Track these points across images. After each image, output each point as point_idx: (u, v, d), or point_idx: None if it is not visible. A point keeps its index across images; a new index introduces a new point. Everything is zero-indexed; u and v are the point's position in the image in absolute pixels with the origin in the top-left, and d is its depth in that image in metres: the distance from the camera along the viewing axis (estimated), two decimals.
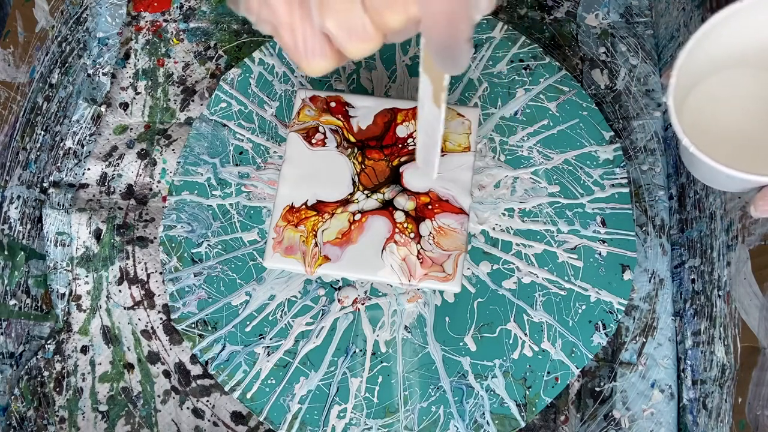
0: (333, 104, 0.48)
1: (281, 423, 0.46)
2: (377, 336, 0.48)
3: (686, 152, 0.32)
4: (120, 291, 0.51)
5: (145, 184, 0.54)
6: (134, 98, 0.57)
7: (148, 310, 0.51)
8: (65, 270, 0.52)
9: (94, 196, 0.54)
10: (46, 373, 0.50)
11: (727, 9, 0.31)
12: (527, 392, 0.46)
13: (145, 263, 0.52)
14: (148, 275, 0.52)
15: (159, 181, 0.54)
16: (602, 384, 0.47)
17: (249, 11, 0.26)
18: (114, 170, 0.54)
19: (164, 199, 0.53)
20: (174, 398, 0.49)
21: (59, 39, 0.53)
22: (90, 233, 0.52)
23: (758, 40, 0.33)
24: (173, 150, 0.55)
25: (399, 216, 0.45)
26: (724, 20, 0.31)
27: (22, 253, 0.49)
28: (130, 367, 0.50)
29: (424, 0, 0.24)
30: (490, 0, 0.26)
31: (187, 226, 0.51)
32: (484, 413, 0.46)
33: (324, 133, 0.47)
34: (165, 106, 0.56)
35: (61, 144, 0.54)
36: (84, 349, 0.50)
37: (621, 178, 0.50)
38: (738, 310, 0.40)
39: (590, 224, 0.49)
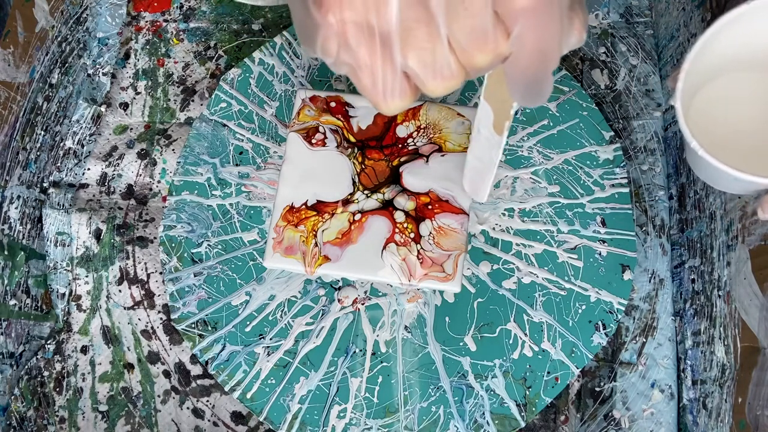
0: (333, 104, 0.48)
1: (281, 423, 0.46)
2: (377, 336, 0.48)
3: (692, 154, 0.32)
4: (120, 291, 0.51)
5: (145, 184, 0.54)
6: (134, 98, 0.57)
7: (148, 310, 0.51)
8: (65, 270, 0.52)
9: (94, 196, 0.54)
10: (46, 373, 0.50)
11: (733, 11, 0.30)
12: (527, 392, 0.46)
13: (145, 263, 0.52)
14: (148, 275, 0.52)
15: (159, 181, 0.54)
16: (602, 384, 0.47)
17: (327, 54, 0.25)
18: (114, 170, 0.54)
19: (164, 199, 0.53)
20: (174, 398, 0.49)
21: (59, 39, 0.53)
22: (90, 233, 0.52)
23: (764, 42, 0.33)
24: (173, 150, 0.55)
25: (399, 216, 0.45)
26: (730, 23, 0.31)
27: (22, 253, 0.49)
28: (130, 367, 0.50)
29: (518, 39, 0.23)
30: (580, 35, 0.25)
31: (187, 226, 0.51)
32: (484, 413, 0.46)
33: (324, 133, 0.47)
34: (165, 106, 0.56)
35: (61, 144, 0.54)
36: (84, 349, 0.50)
37: (621, 178, 0.50)
38: (738, 310, 0.40)
39: (590, 224, 0.49)
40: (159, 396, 0.49)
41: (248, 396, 0.47)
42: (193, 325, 0.49)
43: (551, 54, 0.24)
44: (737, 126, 0.35)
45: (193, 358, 0.50)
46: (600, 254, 0.48)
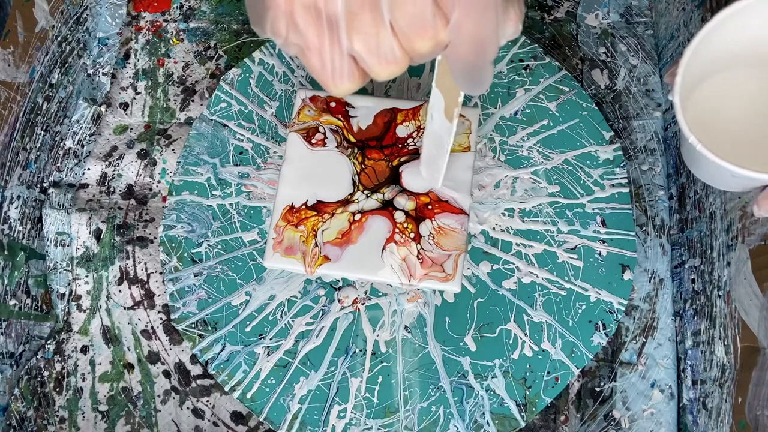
0: (333, 104, 0.48)
1: (281, 423, 0.46)
2: (377, 336, 0.48)
3: (690, 150, 0.32)
4: (120, 291, 0.51)
5: (145, 184, 0.54)
6: (134, 98, 0.57)
7: (148, 310, 0.51)
8: (65, 270, 0.52)
9: (94, 196, 0.54)
10: (46, 373, 0.50)
11: (732, 6, 0.30)
12: (527, 392, 0.46)
13: (145, 263, 0.52)
14: (148, 275, 0.52)
15: (159, 181, 0.54)
16: (602, 384, 0.47)
17: (276, 34, 0.26)
18: (114, 170, 0.54)
19: (164, 199, 0.53)
20: (174, 398, 0.49)
21: (59, 39, 0.53)
22: (90, 233, 0.52)
23: (762, 38, 0.33)
24: (173, 150, 0.55)
25: (399, 216, 0.45)
26: (728, 17, 0.31)
27: (22, 253, 0.49)
28: (130, 367, 0.50)
29: (455, 27, 0.24)
30: (516, 26, 0.26)
31: (187, 226, 0.51)
32: (484, 413, 0.46)
33: (324, 133, 0.47)
34: (165, 106, 0.56)
35: (61, 144, 0.54)
36: (84, 349, 0.50)
37: (621, 178, 0.50)
38: (738, 310, 0.40)
39: (590, 224, 0.49)
40: (159, 396, 0.49)
41: (248, 396, 0.47)
42: (193, 325, 0.49)
43: (488, 43, 0.25)
44: (734, 122, 0.35)
45: (193, 358, 0.50)
46: (600, 254, 0.48)
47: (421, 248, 0.44)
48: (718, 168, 0.30)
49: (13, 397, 0.49)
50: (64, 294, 0.51)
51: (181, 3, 0.59)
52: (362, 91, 0.54)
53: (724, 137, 0.34)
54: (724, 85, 0.35)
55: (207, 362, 0.48)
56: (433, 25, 0.24)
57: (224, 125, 0.53)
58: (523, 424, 0.46)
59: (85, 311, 0.51)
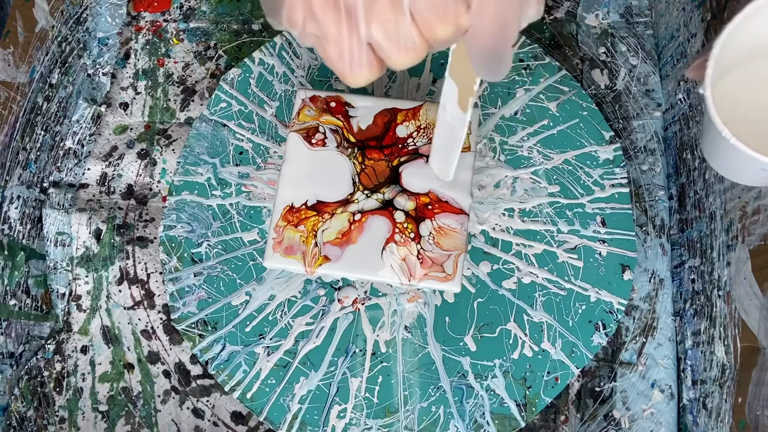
0: (333, 104, 0.48)
1: (281, 423, 0.46)
2: (377, 336, 0.48)
3: (714, 143, 0.32)
4: (120, 291, 0.51)
5: (145, 184, 0.54)
6: (134, 98, 0.57)
7: (148, 310, 0.51)
8: (65, 270, 0.52)
9: (94, 196, 0.54)
10: (46, 373, 0.50)
11: (758, 1, 0.30)
12: (527, 392, 0.46)
13: (145, 263, 0.52)
14: (148, 275, 0.52)
15: (159, 181, 0.54)
16: (602, 384, 0.47)
17: (292, 25, 0.26)
18: (114, 170, 0.54)
19: (164, 199, 0.53)
20: (174, 398, 0.49)
21: (59, 39, 0.53)
22: (90, 233, 0.52)
23: None
24: (173, 150, 0.55)
25: (399, 216, 0.45)
26: (757, 10, 0.31)
27: (22, 253, 0.49)
28: (130, 367, 0.50)
29: (478, 11, 0.24)
30: (538, 8, 0.26)
31: (187, 226, 0.51)
32: (484, 413, 0.46)
33: (324, 133, 0.47)
34: (165, 106, 0.56)
35: (61, 144, 0.54)
36: (84, 349, 0.50)
37: (621, 178, 0.50)
38: (738, 310, 0.40)
39: (590, 224, 0.49)
40: (159, 396, 0.49)
41: (248, 396, 0.47)
42: (193, 325, 0.49)
43: (510, 26, 0.25)
44: (756, 115, 0.35)
45: (193, 358, 0.50)
46: (600, 254, 0.48)
47: (421, 248, 0.44)
48: (750, 161, 0.30)
49: (13, 397, 0.49)
50: (64, 294, 0.51)
51: (181, 3, 0.59)
52: (362, 91, 0.54)
53: (744, 130, 0.34)
54: (746, 78, 0.35)
55: (207, 362, 0.48)
56: (454, 9, 0.24)
57: (224, 125, 0.53)
58: (523, 424, 0.46)
59: (85, 311, 0.51)
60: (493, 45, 0.25)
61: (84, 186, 0.54)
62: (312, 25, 0.25)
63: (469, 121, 0.35)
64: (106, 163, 0.55)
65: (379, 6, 0.24)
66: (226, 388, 0.47)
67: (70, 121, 0.55)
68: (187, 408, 0.49)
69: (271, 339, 0.48)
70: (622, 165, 0.50)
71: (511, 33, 0.25)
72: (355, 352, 0.48)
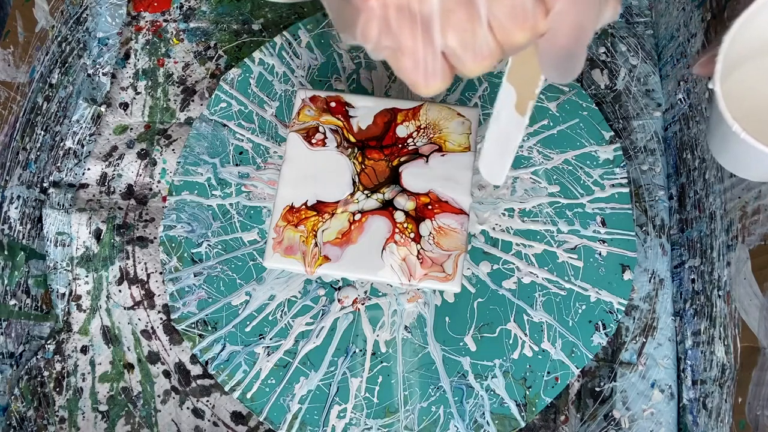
0: (333, 104, 0.48)
1: (281, 423, 0.46)
2: (377, 336, 0.48)
3: (723, 139, 0.32)
4: (120, 291, 0.51)
5: (145, 184, 0.54)
6: (134, 98, 0.57)
7: (148, 310, 0.51)
8: (65, 270, 0.52)
9: (94, 196, 0.54)
10: (46, 373, 0.50)
11: None
12: (527, 392, 0.46)
13: (145, 263, 0.52)
14: (148, 275, 0.52)
15: (159, 181, 0.54)
16: (602, 384, 0.47)
17: (367, 40, 0.26)
18: (114, 170, 0.54)
19: (164, 199, 0.53)
20: (174, 398, 0.49)
21: (59, 39, 0.53)
22: (90, 233, 0.52)
23: None
24: (173, 150, 0.55)
25: (399, 216, 0.45)
26: (764, 6, 0.31)
27: (22, 253, 0.49)
28: (130, 367, 0.50)
29: (558, 16, 0.24)
30: (615, 9, 0.26)
31: (187, 226, 0.51)
32: (484, 413, 0.46)
33: (324, 133, 0.47)
34: (165, 106, 0.56)
35: (61, 144, 0.54)
36: (84, 349, 0.50)
37: (621, 178, 0.50)
38: (738, 310, 0.40)
39: (590, 224, 0.49)
40: (159, 396, 0.49)
41: (248, 396, 0.47)
42: (193, 325, 0.49)
43: (588, 29, 0.25)
44: (761, 111, 0.35)
45: (193, 358, 0.50)
46: (600, 254, 0.48)
47: (421, 248, 0.44)
48: (760, 156, 0.30)
49: (13, 397, 0.49)
50: (64, 294, 0.51)
51: (181, 3, 0.59)
52: (362, 91, 0.54)
53: (751, 126, 0.34)
54: (754, 74, 0.35)
55: (207, 362, 0.48)
56: (533, 15, 0.24)
57: (224, 125, 0.53)
58: (523, 424, 0.46)
59: (85, 311, 0.51)
60: (569, 48, 0.25)
61: (84, 186, 0.54)
62: (387, 38, 0.26)
63: (526, 126, 0.35)
64: (106, 163, 0.55)
65: (455, 16, 0.24)
66: (226, 388, 0.47)
67: (70, 121, 0.55)
68: (187, 408, 0.49)
69: (271, 339, 0.48)
70: (622, 165, 0.50)
71: (587, 35, 0.25)
72: (355, 352, 0.48)
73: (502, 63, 0.32)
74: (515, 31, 0.24)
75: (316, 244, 0.44)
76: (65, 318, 0.51)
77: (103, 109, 0.56)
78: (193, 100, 0.56)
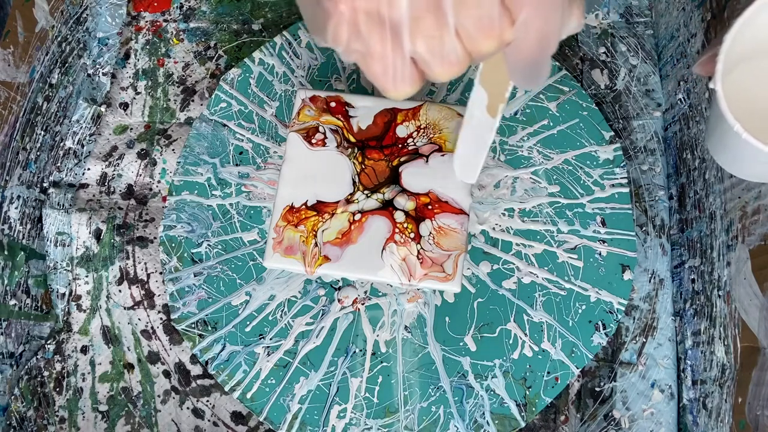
0: (333, 104, 0.48)
1: (281, 423, 0.46)
2: (377, 336, 0.48)
3: (723, 139, 0.32)
4: (120, 291, 0.51)
5: (145, 184, 0.54)
6: (134, 98, 0.57)
7: (148, 310, 0.51)
8: (65, 270, 0.52)
9: (94, 196, 0.54)
10: (46, 373, 0.50)
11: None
12: (527, 392, 0.46)
13: (145, 263, 0.52)
14: (148, 275, 0.52)
15: (159, 181, 0.54)
16: (602, 384, 0.47)
17: (337, 43, 0.26)
18: (114, 170, 0.54)
19: (164, 199, 0.53)
20: (174, 398, 0.49)
21: (59, 39, 0.53)
22: (90, 233, 0.52)
23: None
24: (173, 150, 0.55)
25: (399, 216, 0.45)
26: (765, 6, 0.31)
27: (22, 253, 0.49)
28: (130, 367, 0.50)
29: (523, 26, 0.25)
30: (579, 20, 0.27)
31: (187, 226, 0.51)
32: (484, 413, 0.46)
33: (324, 133, 0.47)
34: (165, 106, 0.56)
35: (61, 144, 0.54)
36: (84, 349, 0.50)
37: (621, 178, 0.50)
38: (738, 310, 0.40)
39: (590, 224, 0.49)
40: (159, 396, 0.49)
41: (248, 396, 0.47)
42: (193, 325, 0.49)
43: (552, 39, 0.26)
44: (758, 111, 0.35)
45: (193, 358, 0.50)
46: (600, 254, 0.48)
47: (421, 248, 0.44)
48: (761, 156, 0.30)
49: (13, 397, 0.49)
50: (64, 294, 0.51)
51: (181, 3, 0.59)
52: (362, 91, 0.54)
53: (751, 126, 0.34)
54: (753, 74, 0.35)
55: (207, 362, 0.48)
56: (499, 25, 0.24)
57: (224, 125, 0.53)
58: (523, 424, 0.46)
59: (85, 311, 0.51)
60: (534, 56, 0.26)
61: (84, 186, 0.54)
62: (357, 43, 0.26)
63: (497, 126, 0.36)
64: (106, 163, 0.55)
65: (423, 23, 0.24)
66: (226, 388, 0.47)
67: (70, 121, 0.55)
68: (187, 408, 0.49)
69: (271, 339, 0.48)
70: (622, 165, 0.50)
71: (552, 45, 0.26)
72: (355, 352, 0.48)
73: (472, 68, 0.32)
74: (482, 40, 0.25)
75: (316, 244, 0.44)
76: (65, 318, 0.51)
77: (103, 109, 0.56)
78: (193, 100, 0.56)
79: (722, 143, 0.34)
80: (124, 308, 0.51)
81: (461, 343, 0.47)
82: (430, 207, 0.45)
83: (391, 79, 0.27)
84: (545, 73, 0.27)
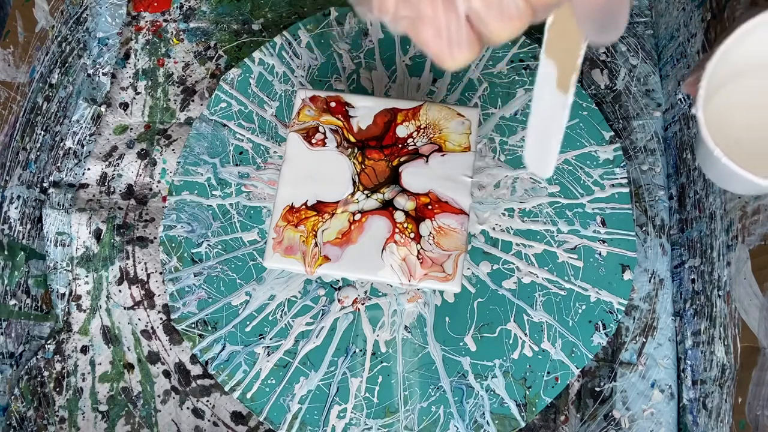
0: (333, 104, 0.48)
1: (281, 423, 0.46)
2: (377, 336, 0.48)
3: (707, 157, 0.32)
4: (120, 291, 0.51)
5: (145, 184, 0.54)
6: (134, 98, 0.57)
7: (148, 310, 0.51)
8: (65, 270, 0.52)
9: (94, 196, 0.54)
10: (46, 373, 0.50)
11: (756, 19, 0.31)
12: (527, 392, 0.46)
13: (145, 263, 0.52)
14: (148, 275, 0.52)
15: (159, 181, 0.54)
16: (602, 384, 0.47)
17: (384, 11, 0.24)
18: (114, 170, 0.54)
19: (164, 199, 0.53)
20: (174, 398, 0.49)
21: (59, 39, 0.53)
22: (90, 233, 0.52)
23: None
24: (173, 150, 0.55)
25: (399, 216, 0.45)
26: (750, 30, 0.31)
27: (22, 253, 0.49)
28: (130, 367, 0.50)
29: None
30: None
31: (187, 226, 0.51)
32: (484, 413, 0.46)
33: (324, 133, 0.47)
34: (165, 106, 0.56)
35: (61, 144, 0.54)
36: (84, 349, 0.50)
37: (621, 178, 0.50)
38: (738, 310, 0.40)
39: (590, 224, 0.49)
40: (159, 396, 0.49)
41: (248, 396, 0.47)
42: (193, 325, 0.49)
43: None
44: (746, 131, 0.35)
45: (193, 358, 0.50)
46: (600, 254, 0.48)
47: (421, 248, 0.44)
48: (739, 177, 0.31)
49: (13, 397, 0.49)
50: (64, 294, 0.51)
51: (181, 3, 0.59)
52: (362, 91, 0.54)
53: (734, 142, 0.34)
54: (737, 93, 0.35)
55: (207, 362, 0.48)
56: None
57: (224, 125, 0.53)
58: (523, 424, 0.46)
59: (85, 311, 0.51)
60: None
61: (84, 186, 0.54)
62: (405, 8, 0.24)
63: (570, 104, 0.32)
64: (106, 163, 0.55)
65: None
66: (226, 388, 0.47)
67: (70, 121, 0.55)
68: (187, 408, 0.49)
69: (271, 339, 0.48)
70: (622, 165, 0.50)
71: None
72: (355, 352, 0.48)
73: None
74: None
75: (316, 244, 0.44)
76: (65, 318, 0.51)
77: (103, 109, 0.56)
78: (193, 100, 0.56)
79: (708, 161, 0.34)
80: (124, 308, 0.51)
81: (461, 343, 0.47)
82: (430, 207, 0.45)
83: (446, 44, 0.24)
84: (624, 19, 0.24)
